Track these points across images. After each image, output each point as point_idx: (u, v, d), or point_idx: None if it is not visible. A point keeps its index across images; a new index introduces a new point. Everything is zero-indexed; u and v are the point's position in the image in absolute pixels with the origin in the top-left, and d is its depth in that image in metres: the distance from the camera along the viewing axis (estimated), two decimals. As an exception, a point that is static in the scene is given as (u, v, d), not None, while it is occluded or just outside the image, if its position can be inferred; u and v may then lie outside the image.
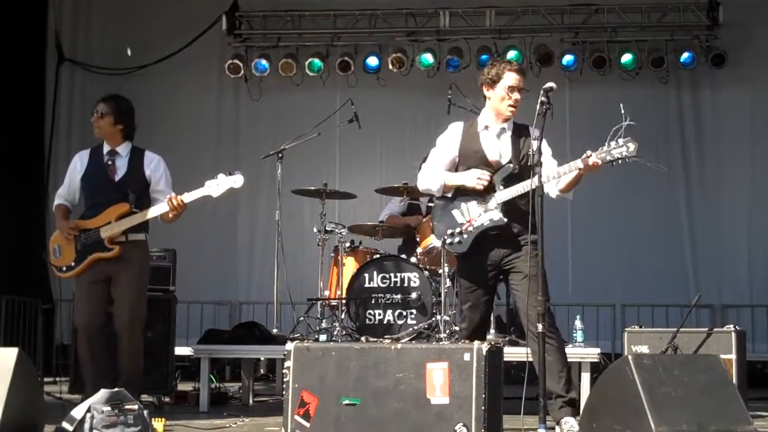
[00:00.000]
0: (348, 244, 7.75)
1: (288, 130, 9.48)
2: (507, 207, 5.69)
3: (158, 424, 5.51)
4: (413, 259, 7.44)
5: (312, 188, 7.95)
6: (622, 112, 5.33)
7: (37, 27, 11.27)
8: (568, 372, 5.76)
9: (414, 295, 7.22)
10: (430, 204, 8.08)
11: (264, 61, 11.10)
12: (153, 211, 6.42)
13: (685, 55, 10.72)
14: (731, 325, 6.64)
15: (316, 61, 11.06)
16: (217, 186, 6.38)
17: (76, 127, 11.47)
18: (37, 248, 10.74)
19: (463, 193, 5.85)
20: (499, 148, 5.83)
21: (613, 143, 5.47)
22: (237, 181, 6.40)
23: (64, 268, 6.52)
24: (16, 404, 4.79)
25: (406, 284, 7.26)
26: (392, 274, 7.30)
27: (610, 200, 10.69)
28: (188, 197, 6.36)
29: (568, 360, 5.92)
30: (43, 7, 11.36)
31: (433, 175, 5.93)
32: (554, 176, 5.64)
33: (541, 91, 5.41)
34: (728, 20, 10.54)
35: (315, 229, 7.86)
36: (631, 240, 10.83)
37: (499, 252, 5.75)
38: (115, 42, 11.61)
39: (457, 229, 5.72)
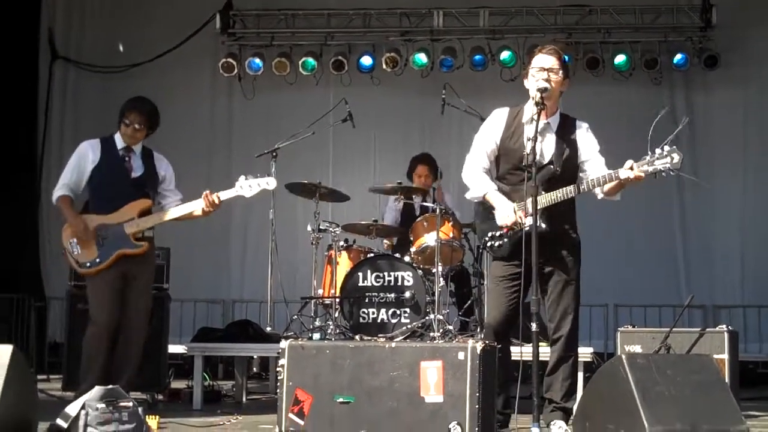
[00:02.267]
0: (342, 243, 7.74)
1: (281, 129, 9.48)
2: (547, 212, 5.43)
3: (152, 421, 5.50)
4: (407, 258, 7.45)
5: (305, 182, 7.81)
6: (685, 120, 5.20)
7: (30, 24, 11.25)
8: (572, 384, 5.67)
9: (408, 294, 7.20)
10: (424, 204, 8.11)
11: (258, 60, 11.10)
12: (183, 209, 6.54)
13: (678, 57, 10.74)
14: (724, 326, 6.66)
15: (310, 60, 11.05)
16: (250, 187, 6.52)
17: (69, 124, 11.50)
18: (30, 245, 10.76)
19: (506, 192, 5.63)
20: (541, 145, 5.40)
21: (658, 151, 5.35)
22: (270, 182, 6.60)
23: (88, 264, 6.46)
24: (10, 401, 4.78)
25: (399, 283, 7.24)
26: (386, 273, 7.27)
27: (603, 200, 10.67)
28: (223, 195, 6.50)
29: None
30: (36, 4, 11.35)
31: (477, 182, 5.68)
32: (597, 184, 5.48)
33: (536, 92, 5.35)
34: (721, 22, 10.56)
35: (309, 228, 7.82)
36: (624, 240, 10.83)
37: (538, 256, 5.13)
38: (109, 40, 11.58)
39: (498, 233, 5.56)
